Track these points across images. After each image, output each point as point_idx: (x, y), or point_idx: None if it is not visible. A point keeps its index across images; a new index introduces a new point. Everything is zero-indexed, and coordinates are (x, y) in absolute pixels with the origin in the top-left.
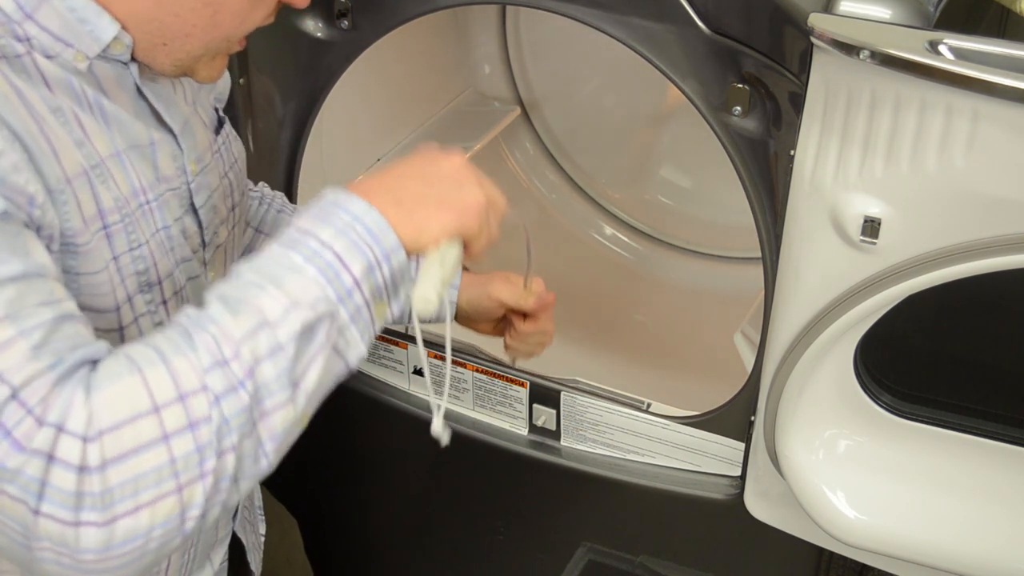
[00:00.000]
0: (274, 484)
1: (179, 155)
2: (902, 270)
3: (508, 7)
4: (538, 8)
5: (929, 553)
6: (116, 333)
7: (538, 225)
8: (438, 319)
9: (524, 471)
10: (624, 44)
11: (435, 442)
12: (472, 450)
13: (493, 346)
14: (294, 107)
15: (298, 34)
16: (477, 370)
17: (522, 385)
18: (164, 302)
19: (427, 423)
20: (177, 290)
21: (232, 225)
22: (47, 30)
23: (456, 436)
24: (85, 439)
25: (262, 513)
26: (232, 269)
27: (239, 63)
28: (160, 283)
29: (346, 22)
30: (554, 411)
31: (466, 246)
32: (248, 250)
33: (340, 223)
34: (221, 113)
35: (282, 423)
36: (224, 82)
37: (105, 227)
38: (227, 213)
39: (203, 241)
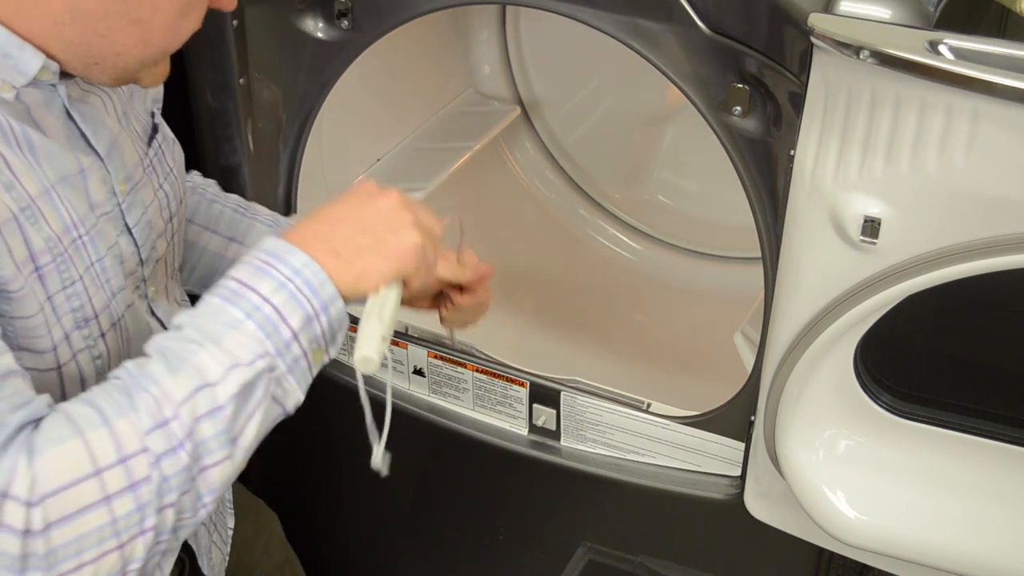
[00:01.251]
0: (273, 484)
1: (108, 178)
2: (902, 270)
3: (508, 7)
4: (538, 8)
5: (929, 553)
6: (55, 372)
7: (538, 225)
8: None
9: (524, 471)
10: (624, 44)
11: (435, 442)
12: (472, 450)
13: (492, 346)
14: (294, 107)
15: (298, 34)
16: (477, 370)
17: (522, 385)
18: (103, 335)
19: (428, 423)
20: (115, 321)
21: (171, 235)
22: None
23: (456, 436)
24: (28, 504)
25: (231, 507)
26: (173, 320)
27: (239, 63)
28: (96, 317)
29: (346, 22)
30: (554, 411)
31: (405, 283)
32: (188, 246)
33: (279, 277)
34: (157, 118)
35: (220, 477)
36: (158, 87)
37: (37, 269)
38: (164, 225)
39: (140, 260)
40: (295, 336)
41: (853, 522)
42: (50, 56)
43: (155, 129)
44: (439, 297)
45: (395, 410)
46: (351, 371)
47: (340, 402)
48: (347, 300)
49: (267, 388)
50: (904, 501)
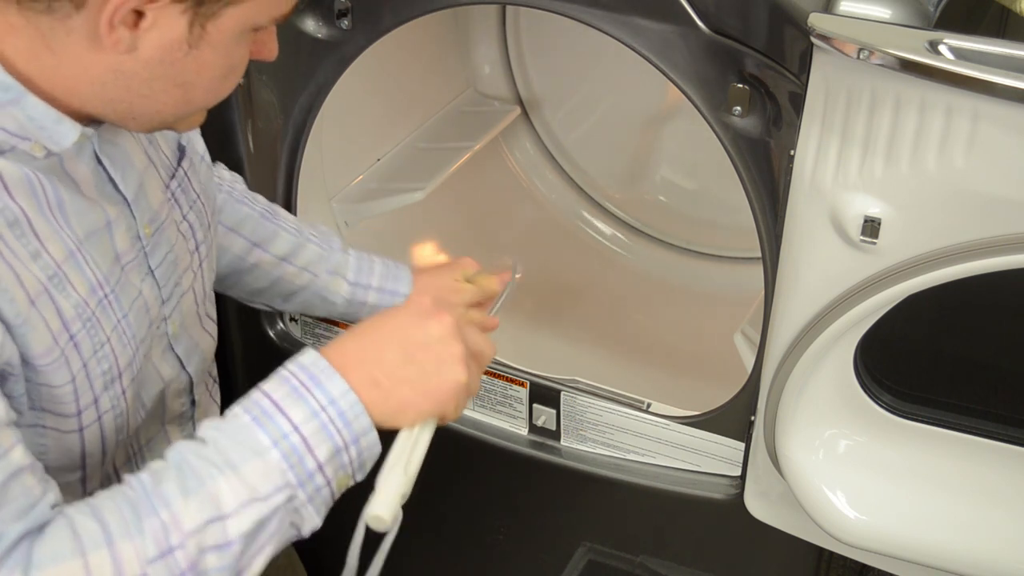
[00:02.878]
0: None
1: (133, 224)
2: (902, 270)
3: (508, 7)
4: (538, 8)
5: (929, 553)
6: (76, 434)
7: (538, 225)
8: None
9: (524, 471)
10: (624, 44)
11: (435, 442)
12: (472, 450)
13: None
14: (294, 107)
15: (298, 34)
16: None
17: (522, 385)
18: (123, 392)
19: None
20: (134, 375)
21: (199, 263)
22: (4, 129)
23: (456, 436)
24: None
25: None
26: (199, 429)
27: None
28: (120, 375)
29: (346, 22)
30: (554, 411)
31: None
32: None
33: (314, 404)
34: (184, 139)
35: None
36: None
37: (72, 338)
38: (189, 257)
39: (162, 299)
40: (320, 468)
41: (853, 522)
42: (85, 114)
43: (181, 152)
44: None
45: None
46: None
47: None
48: (380, 429)
49: (283, 519)
50: (904, 501)
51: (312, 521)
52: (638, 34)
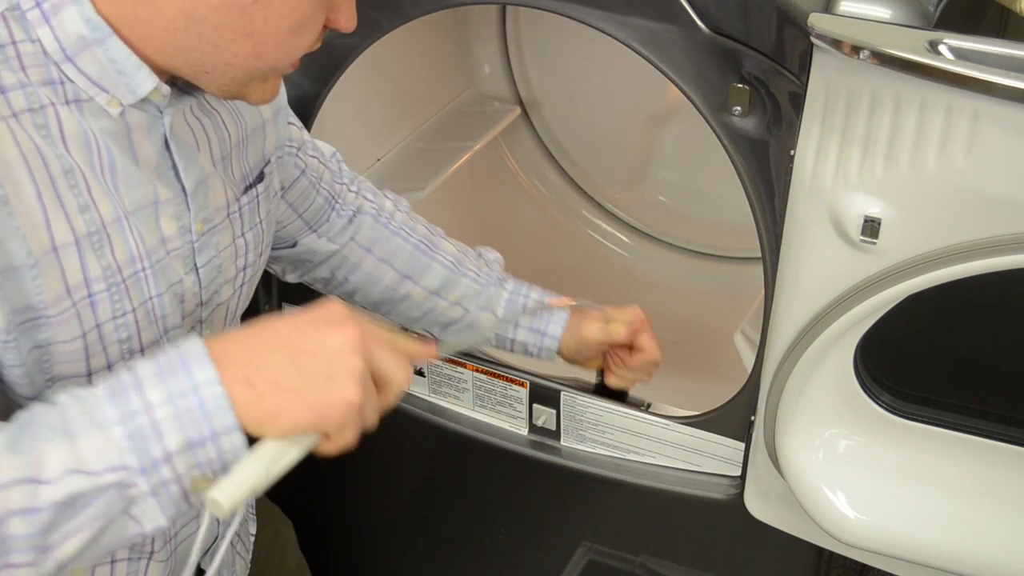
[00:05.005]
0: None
1: (184, 214)
2: (902, 270)
3: (508, 7)
4: (538, 8)
5: (929, 553)
6: None
7: (538, 225)
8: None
9: (524, 471)
10: (624, 44)
11: (435, 442)
12: (472, 450)
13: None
14: (294, 107)
15: None
16: (477, 370)
17: (522, 385)
18: None
19: (428, 423)
20: None
21: (241, 283)
22: (85, 74)
23: (456, 436)
24: None
25: (253, 513)
26: (57, 393)
27: None
28: (143, 350)
29: None
30: (554, 411)
31: (326, 435)
32: (365, 276)
33: (173, 388)
34: (268, 168)
35: None
36: (276, 128)
37: (90, 295)
38: (236, 273)
39: (201, 301)
40: (168, 458)
41: (853, 522)
42: (163, 69)
43: (260, 178)
44: (605, 358)
45: (395, 410)
46: None
47: None
48: (249, 436)
49: (111, 505)
50: (904, 501)
51: (155, 519)
52: (638, 34)
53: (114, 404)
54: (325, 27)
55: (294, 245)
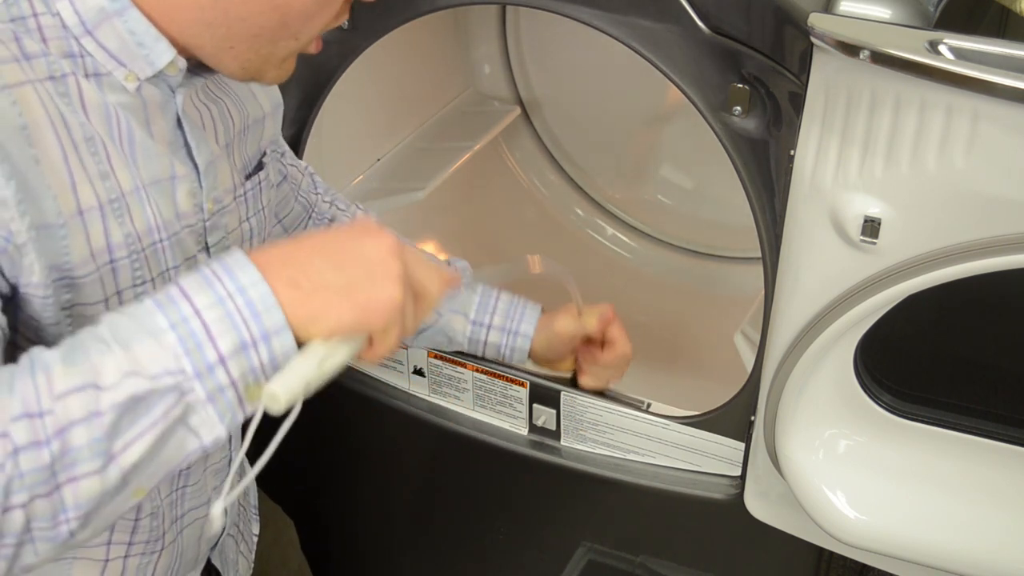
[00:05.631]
0: (272, 484)
1: (198, 192)
2: (902, 270)
3: (508, 7)
4: (538, 8)
5: (929, 553)
6: None
7: (538, 225)
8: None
9: (524, 471)
10: (624, 44)
11: (435, 442)
12: (472, 450)
13: None
14: (294, 107)
15: None
16: (477, 370)
17: (522, 385)
18: None
19: (428, 423)
20: None
21: None
22: (104, 47)
23: (456, 436)
24: None
25: (256, 513)
26: (103, 313)
27: None
28: None
29: (346, 22)
30: (554, 411)
31: (370, 341)
32: None
33: (220, 291)
34: (267, 158)
35: (88, 492)
36: (275, 121)
37: (112, 261)
38: None
39: None
40: (222, 361)
41: (853, 522)
42: (186, 48)
43: (260, 167)
44: (576, 358)
45: (395, 410)
46: (360, 377)
47: (345, 405)
48: (297, 338)
49: (169, 410)
50: (904, 501)
51: (214, 428)
52: (638, 34)
53: (164, 313)
54: (349, 2)
55: None
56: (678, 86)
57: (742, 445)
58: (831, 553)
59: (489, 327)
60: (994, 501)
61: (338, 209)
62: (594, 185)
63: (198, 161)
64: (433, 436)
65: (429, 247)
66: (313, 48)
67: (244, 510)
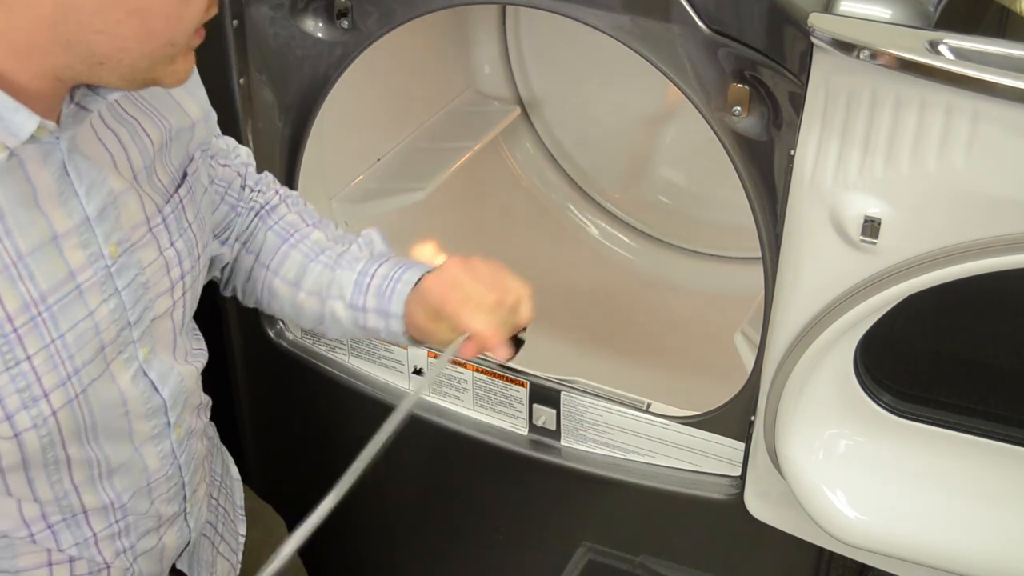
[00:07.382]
0: (272, 484)
1: (92, 241)
2: (902, 270)
3: (508, 7)
4: (538, 8)
5: (929, 553)
6: None
7: (538, 225)
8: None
9: (524, 471)
10: (624, 44)
11: (435, 442)
12: (472, 450)
13: None
14: (294, 107)
15: (298, 34)
16: (477, 370)
17: (522, 385)
18: (53, 413)
19: (428, 423)
20: (72, 397)
21: (182, 292)
22: None
23: (456, 436)
24: None
25: (243, 514)
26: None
27: (238, 63)
28: (47, 395)
29: (346, 22)
30: (554, 411)
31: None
32: (239, 272)
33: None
34: (190, 167)
35: None
36: (207, 127)
37: None
38: (171, 284)
39: (129, 322)
40: None
41: (853, 522)
42: (60, 78)
43: (183, 178)
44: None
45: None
46: (359, 375)
47: (345, 405)
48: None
49: None
50: (904, 501)
51: None
52: (638, 34)
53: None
54: None
55: None
56: (678, 86)
57: (742, 445)
58: (831, 553)
59: (366, 310)
60: (994, 501)
61: (277, 194)
62: (594, 185)
63: (88, 209)
64: (433, 436)
65: (429, 247)
66: (195, 39)
67: (226, 512)
